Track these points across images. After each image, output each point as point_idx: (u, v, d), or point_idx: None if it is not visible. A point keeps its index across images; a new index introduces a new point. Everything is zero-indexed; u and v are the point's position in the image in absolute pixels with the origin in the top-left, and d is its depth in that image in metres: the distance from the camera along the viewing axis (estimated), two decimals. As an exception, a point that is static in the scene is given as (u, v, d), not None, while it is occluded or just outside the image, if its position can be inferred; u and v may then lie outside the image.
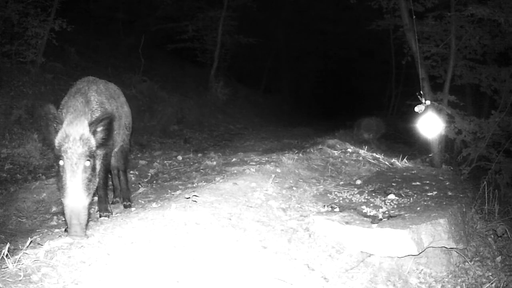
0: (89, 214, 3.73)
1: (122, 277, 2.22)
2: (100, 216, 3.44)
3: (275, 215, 3.41)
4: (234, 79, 16.82)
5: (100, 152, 3.16)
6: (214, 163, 5.51)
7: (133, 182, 5.03)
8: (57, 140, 2.71)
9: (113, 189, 4.28)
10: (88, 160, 2.72)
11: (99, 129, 2.85)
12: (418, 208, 3.41)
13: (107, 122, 2.89)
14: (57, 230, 3.39)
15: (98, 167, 3.04)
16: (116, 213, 3.83)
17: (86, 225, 2.69)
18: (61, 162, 2.68)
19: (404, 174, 4.86)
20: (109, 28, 15.00)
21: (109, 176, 4.12)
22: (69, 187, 2.62)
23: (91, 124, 2.80)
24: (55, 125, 2.73)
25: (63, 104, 3.16)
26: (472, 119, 6.82)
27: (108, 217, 3.40)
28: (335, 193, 3.97)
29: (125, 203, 4.06)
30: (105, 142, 2.94)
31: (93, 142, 2.78)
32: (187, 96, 11.68)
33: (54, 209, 4.11)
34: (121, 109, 3.91)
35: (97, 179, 2.95)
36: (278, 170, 4.63)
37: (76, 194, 2.62)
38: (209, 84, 13.40)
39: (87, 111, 3.01)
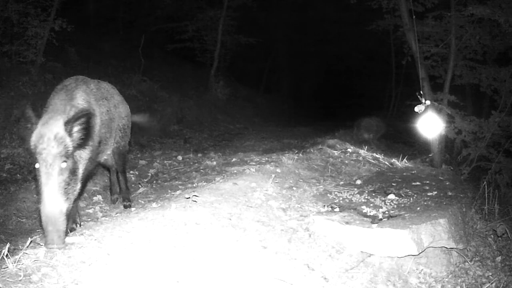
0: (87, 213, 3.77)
1: (122, 277, 2.22)
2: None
3: (275, 215, 3.41)
4: (234, 79, 16.81)
5: (84, 155, 2.98)
6: (214, 163, 5.51)
7: (133, 182, 5.03)
8: (32, 141, 2.55)
9: (110, 187, 4.29)
10: (64, 161, 2.55)
11: (76, 128, 2.65)
12: (418, 208, 3.41)
13: (84, 120, 2.68)
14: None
15: (80, 171, 2.86)
16: (116, 213, 3.83)
17: (65, 233, 2.50)
18: (36, 165, 2.52)
19: (404, 174, 4.86)
20: (109, 28, 15.00)
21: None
22: (45, 190, 2.46)
23: (67, 123, 2.61)
24: (30, 125, 2.59)
25: (48, 103, 2.99)
26: (472, 119, 6.82)
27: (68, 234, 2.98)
28: (335, 193, 3.97)
29: (125, 203, 4.02)
30: (84, 142, 2.75)
31: (69, 142, 2.60)
32: (187, 96, 11.67)
33: (54, 209, 4.10)
34: (114, 110, 3.73)
35: (79, 185, 2.76)
36: (278, 170, 4.63)
37: (52, 198, 2.45)
38: (209, 84, 13.40)
39: (68, 110, 2.79)
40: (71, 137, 2.62)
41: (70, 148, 2.61)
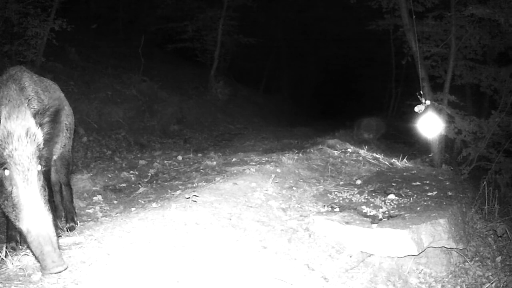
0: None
1: (122, 277, 2.22)
2: None
3: (275, 215, 3.41)
4: (234, 79, 16.81)
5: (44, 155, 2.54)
6: (214, 163, 5.50)
7: (133, 182, 5.03)
8: None
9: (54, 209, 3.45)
10: (39, 162, 2.16)
11: (46, 120, 2.25)
12: (418, 208, 3.41)
13: (54, 111, 2.29)
14: (56, 231, 3.37)
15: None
16: (116, 213, 3.83)
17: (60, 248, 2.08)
18: (6, 172, 2.07)
19: (404, 174, 4.86)
20: (109, 28, 15.01)
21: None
22: (28, 204, 2.02)
23: (36, 115, 2.21)
24: None
25: None
26: (472, 119, 6.83)
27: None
28: (335, 193, 3.97)
29: (68, 225, 3.33)
30: (50, 139, 2.35)
31: (40, 139, 2.20)
32: (187, 96, 11.68)
33: (54, 209, 4.10)
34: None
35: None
36: (278, 170, 4.63)
37: (40, 211, 2.02)
38: (209, 84, 13.40)
39: (24, 100, 2.36)
40: (43, 132, 2.23)
41: (41, 147, 2.23)
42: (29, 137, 2.13)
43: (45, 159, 2.51)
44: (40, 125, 2.23)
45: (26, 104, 2.30)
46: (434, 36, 8.03)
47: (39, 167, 2.17)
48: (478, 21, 7.30)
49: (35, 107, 2.44)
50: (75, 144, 6.08)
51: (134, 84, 9.95)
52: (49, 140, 2.34)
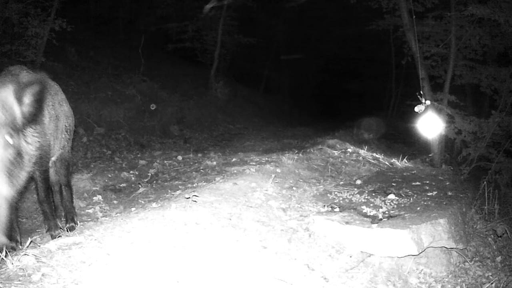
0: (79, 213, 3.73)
1: (122, 277, 2.22)
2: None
3: (275, 215, 3.41)
4: (234, 79, 16.82)
5: (32, 152, 2.55)
6: (214, 163, 5.50)
7: (133, 182, 5.03)
8: None
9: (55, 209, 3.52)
10: (10, 134, 2.16)
11: (28, 97, 2.25)
12: (418, 208, 3.41)
13: (38, 89, 2.28)
14: (57, 231, 3.38)
15: (26, 159, 2.43)
16: (116, 213, 3.83)
17: (10, 227, 2.06)
18: None
19: (404, 174, 4.85)
20: (109, 28, 15.02)
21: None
22: None
23: (16, 89, 2.23)
24: None
25: None
26: (472, 119, 6.83)
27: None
28: (335, 193, 3.97)
29: (68, 225, 3.36)
30: (35, 118, 2.33)
31: (17, 112, 2.19)
32: (187, 96, 11.68)
33: (54, 209, 4.10)
34: (58, 107, 3.27)
35: (24, 174, 2.33)
36: (278, 170, 4.63)
37: None
38: (209, 84, 13.41)
39: (10, 80, 2.41)
40: (21, 107, 2.23)
41: (18, 121, 2.21)
42: (3, 107, 2.14)
43: (38, 159, 2.53)
44: (19, 99, 2.23)
45: (10, 84, 2.30)
46: (434, 36, 8.03)
47: (9, 139, 2.16)
48: (478, 21, 7.29)
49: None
50: (75, 144, 6.08)
51: (134, 84, 9.95)
52: (32, 121, 2.33)
